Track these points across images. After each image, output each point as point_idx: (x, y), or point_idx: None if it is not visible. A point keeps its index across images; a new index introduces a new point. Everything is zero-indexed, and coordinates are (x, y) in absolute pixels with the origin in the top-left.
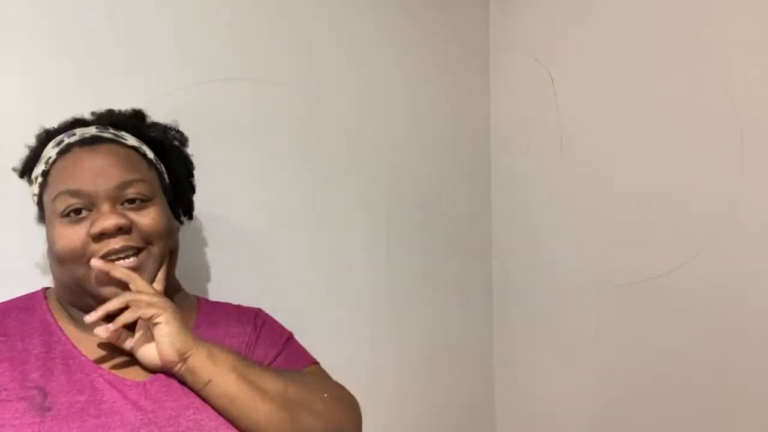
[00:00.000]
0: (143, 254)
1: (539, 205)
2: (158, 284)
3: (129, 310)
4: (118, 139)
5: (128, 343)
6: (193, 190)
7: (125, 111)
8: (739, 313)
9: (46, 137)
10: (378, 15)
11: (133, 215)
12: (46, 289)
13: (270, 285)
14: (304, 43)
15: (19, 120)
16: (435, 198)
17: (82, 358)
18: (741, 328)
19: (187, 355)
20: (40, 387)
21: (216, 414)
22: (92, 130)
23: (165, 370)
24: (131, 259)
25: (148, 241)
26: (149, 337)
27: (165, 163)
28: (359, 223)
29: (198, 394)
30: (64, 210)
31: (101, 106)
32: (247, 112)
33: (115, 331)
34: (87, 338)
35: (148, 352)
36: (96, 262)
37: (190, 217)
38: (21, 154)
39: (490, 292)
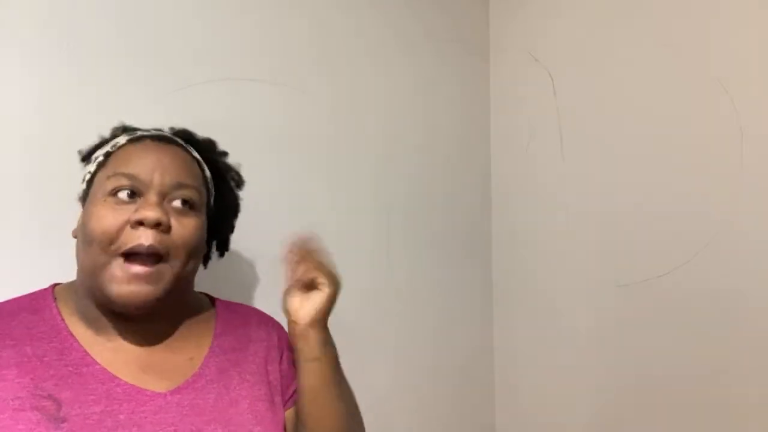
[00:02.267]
0: (162, 266)
1: (539, 205)
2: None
3: (306, 269)
4: (186, 146)
5: (293, 283)
6: (231, 230)
7: (201, 136)
8: (739, 313)
9: (122, 131)
10: (378, 15)
11: (173, 220)
12: (55, 285)
13: (269, 285)
14: (306, 44)
15: (22, 121)
16: (435, 198)
17: (97, 366)
18: (740, 328)
19: (315, 327)
20: (53, 397)
21: (239, 429)
22: (165, 132)
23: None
24: (148, 268)
25: (174, 250)
26: (304, 293)
27: (217, 190)
28: (359, 223)
29: (302, 362)
30: (114, 189)
31: (105, 107)
32: (250, 112)
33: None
34: (101, 344)
35: (291, 301)
36: (292, 249)
37: (222, 254)
38: (23, 154)
39: (490, 292)
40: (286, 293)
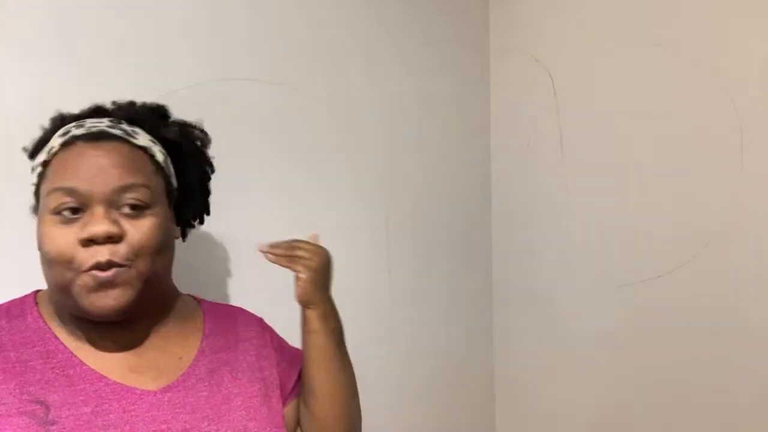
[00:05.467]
0: (126, 270)
1: (539, 205)
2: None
3: (285, 258)
4: (126, 137)
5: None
6: (206, 193)
7: (148, 104)
8: (739, 313)
9: (60, 122)
10: (377, 15)
11: (126, 224)
12: (38, 292)
13: (268, 285)
14: (304, 44)
15: (20, 118)
16: (435, 198)
17: (84, 367)
18: (741, 328)
19: (309, 306)
20: (40, 400)
21: (232, 425)
22: (102, 124)
23: None
24: (111, 271)
25: (135, 254)
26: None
27: (179, 163)
28: (359, 223)
29: (303, 334)
30: (56, 207)
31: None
32: (249, 112)
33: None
34: (87, 347)
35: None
36: (263, 248)
37: (202, 221)
38: (22, 154)
39: (490, 293)
40: (294, 279)
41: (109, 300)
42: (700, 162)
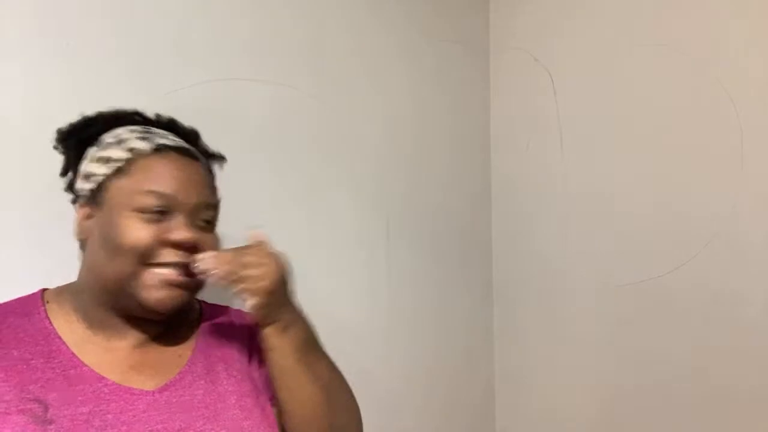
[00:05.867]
0: (192, 278)
1: (539, 205)
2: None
3: (227, 279)
4: (205, 161)
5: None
6: None
7: (184, 126)
8: (739, 313)
9: (114, 120)
10: (377, 15)
11: (200, 236)
12: (45, 290)
13: None
14: (304, 44)
15: (19, 121)
16: (435, 198)
17: (84, 367)
18: (741, 328)
19: (264, 323)
20: (39, 399)
21: (227, 425)
22: (180, 140)
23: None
24: (178, 275)
25: None
26: None
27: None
28: (359, 223)
29: (264, 353)
30: (146, 207)
31: (102, 107)
32: (249, 113)
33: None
34: (92, 346)
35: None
36: (205, 264)
37: None
38: (21, 153)
39: (490, 293)
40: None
41: (170, 299)
42: (700, 162)
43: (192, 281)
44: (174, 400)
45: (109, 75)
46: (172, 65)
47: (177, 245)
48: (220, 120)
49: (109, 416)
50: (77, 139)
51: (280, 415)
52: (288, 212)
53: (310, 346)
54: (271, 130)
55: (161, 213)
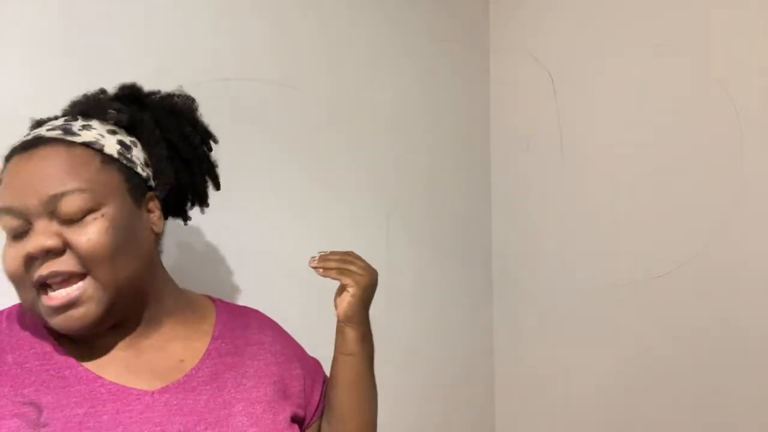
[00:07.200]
0: (85, 283)
1: (539, 205)
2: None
3: (336, 270)
4: (65, 136)
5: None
6: (201, 170)
7: (119, 89)
8: (739, 313)
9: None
10: (378, 15)
11: (70, 233)
12: None
13: (268, 285)
14: (305, 44)
15: (17, 119)
16: (435, 197)
17: (80, 368)
18: (741, 328)
19: (349, 324)
20: (34, 403)
21: (226, 429)
22: (44, 128)
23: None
24: (64, 291)
25: (87, 265)
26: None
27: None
28: (359, 223)
29: (337, 354)
30: (6, 228)
31: None
32: (249, 112)
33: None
34: (83, 346)
35: (335, 299)
36: (312, 263)
37: (205, 203)
38: None
39: (490, 292)
40: (336, 291)
41: (74, 321)
42: (700, 162)
43: (82, 291)
44: (174, 402)
45: (109, 75)
46: (174, 64)
47: (34, 258)
48: (220, 120)
49: (105, 417)
50: None
51: (323, 425)
52: (288, 211)
53: (373, 366)
54: (272, 129)
55: (23, 227)
